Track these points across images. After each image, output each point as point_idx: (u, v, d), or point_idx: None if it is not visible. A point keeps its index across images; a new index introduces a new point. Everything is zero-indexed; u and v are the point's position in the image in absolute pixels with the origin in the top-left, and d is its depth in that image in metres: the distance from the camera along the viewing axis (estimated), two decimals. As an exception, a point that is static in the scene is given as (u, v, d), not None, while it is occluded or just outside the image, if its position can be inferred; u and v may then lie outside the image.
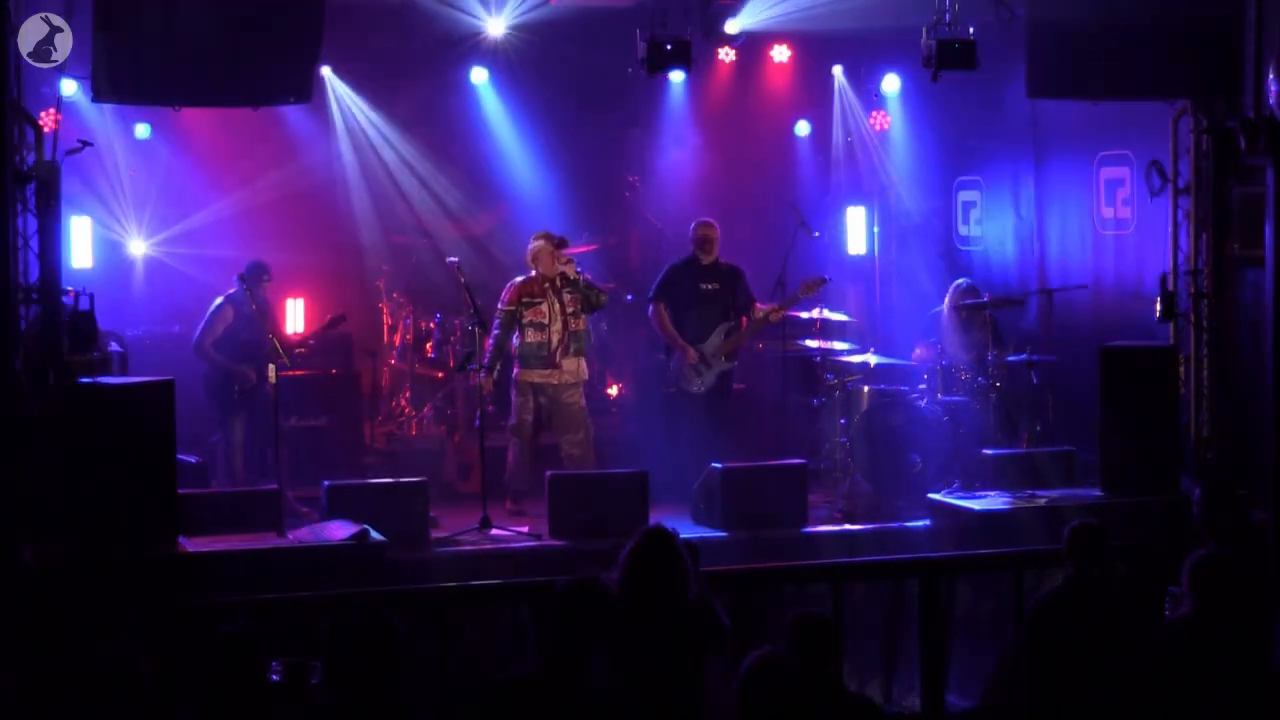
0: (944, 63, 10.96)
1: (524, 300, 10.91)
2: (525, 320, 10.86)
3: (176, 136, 13.00)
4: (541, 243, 11.06)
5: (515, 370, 10.92)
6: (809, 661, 5.83)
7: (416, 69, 13.24)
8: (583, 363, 11.16)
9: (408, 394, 13.10)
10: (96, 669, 7.60)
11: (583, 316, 11.10)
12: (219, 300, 11.16)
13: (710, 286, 11.47)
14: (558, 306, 10.99)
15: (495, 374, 10.93)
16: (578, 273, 11.06)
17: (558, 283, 11.02)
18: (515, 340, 10.94)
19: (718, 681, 6.82)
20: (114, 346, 10.70)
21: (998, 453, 10.96)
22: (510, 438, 10.98)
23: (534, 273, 11.05)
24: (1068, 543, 7.21)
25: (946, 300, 12.03)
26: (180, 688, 7.05)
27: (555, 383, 11.02)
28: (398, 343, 13.39)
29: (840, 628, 8.10)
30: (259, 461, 11.07)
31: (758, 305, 11.62)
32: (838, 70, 14.35)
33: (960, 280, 12.29)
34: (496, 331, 10.95)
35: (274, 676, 6.81)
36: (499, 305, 11.08)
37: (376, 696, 5.52)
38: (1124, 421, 10.45)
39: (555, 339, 10.97)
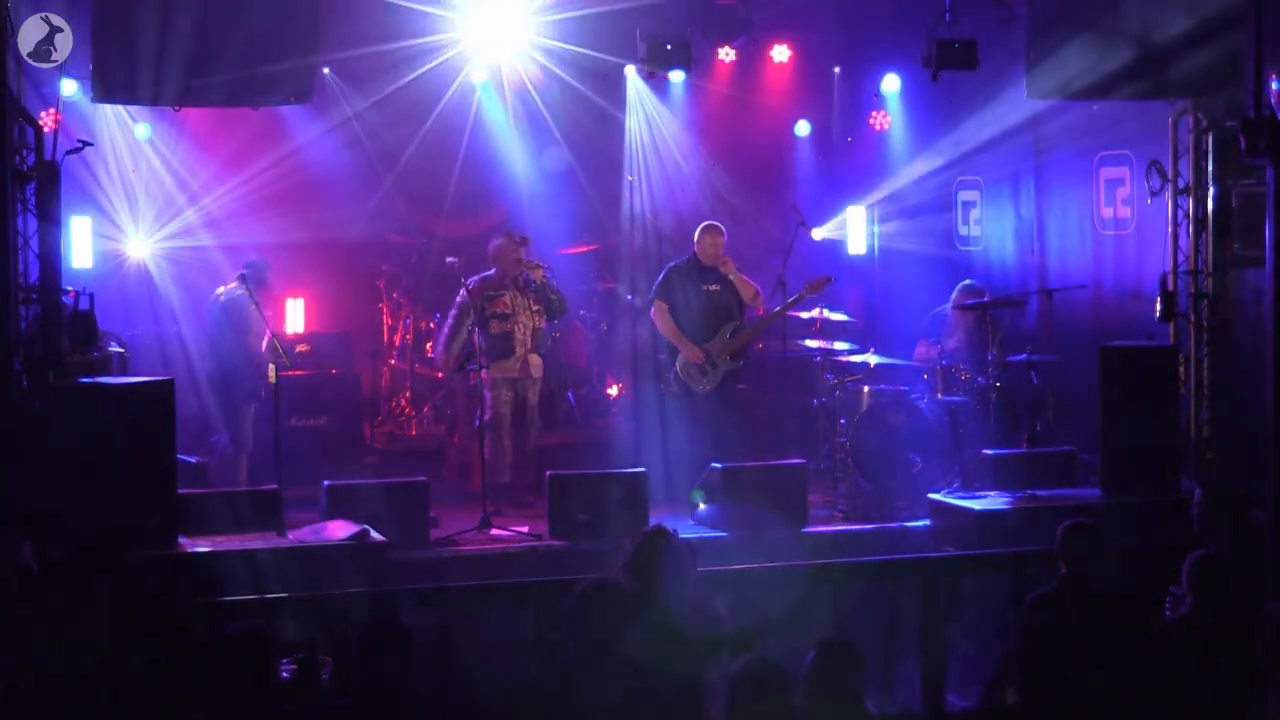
0: (944, 63, 10.99)
1: (485, 294, 11.01)
2: (489, 313, 10.94)
3: (176, 136, 13.00)
4: (503, 240, 11.23)
5: (484, 368, 10.89)
6: None
7: (416, 68, 13.23)
8: (541, 362, 11.29)
9: (408, 394, 13.11)
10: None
11: (543, 317, 11.25)
12: (229, 296, 11.15)
13: (712, 288, 11.47)
14: (521, 300, 11.12)
15: (463, 366, 10.98)
16: (544, 277, 11.17)
17: (519, 281, 11.12)
18: (480, 336, 10.95)
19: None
20: (114, 346, 10.71)
21: (998, 453, 10.96)
22: (486, 433, 10.91)
23: (493, 271, 11.19)
24: (1060, 542, 7.22)
25: (951, 300, 12.04)
26: (187, 686, 7.05)
27: (523, 377, 11.15)
28: (398, 343, 13.40)
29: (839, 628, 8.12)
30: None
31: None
32: (838, 70, 14.34)
33: (966, 281, 12.30)
34: (449, 325, 11.16)
35: (284, 674, 6.83)
36: (455, 300, 11.19)
37: (387, 694, 5.54)
38: (1124, 421, 10.44)
39: (521, 330, 11.07)
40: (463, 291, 11.06)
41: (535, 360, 11.24)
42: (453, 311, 11.28)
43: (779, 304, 11.56)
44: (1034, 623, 7.14)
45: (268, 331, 10.72)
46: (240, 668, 5.56)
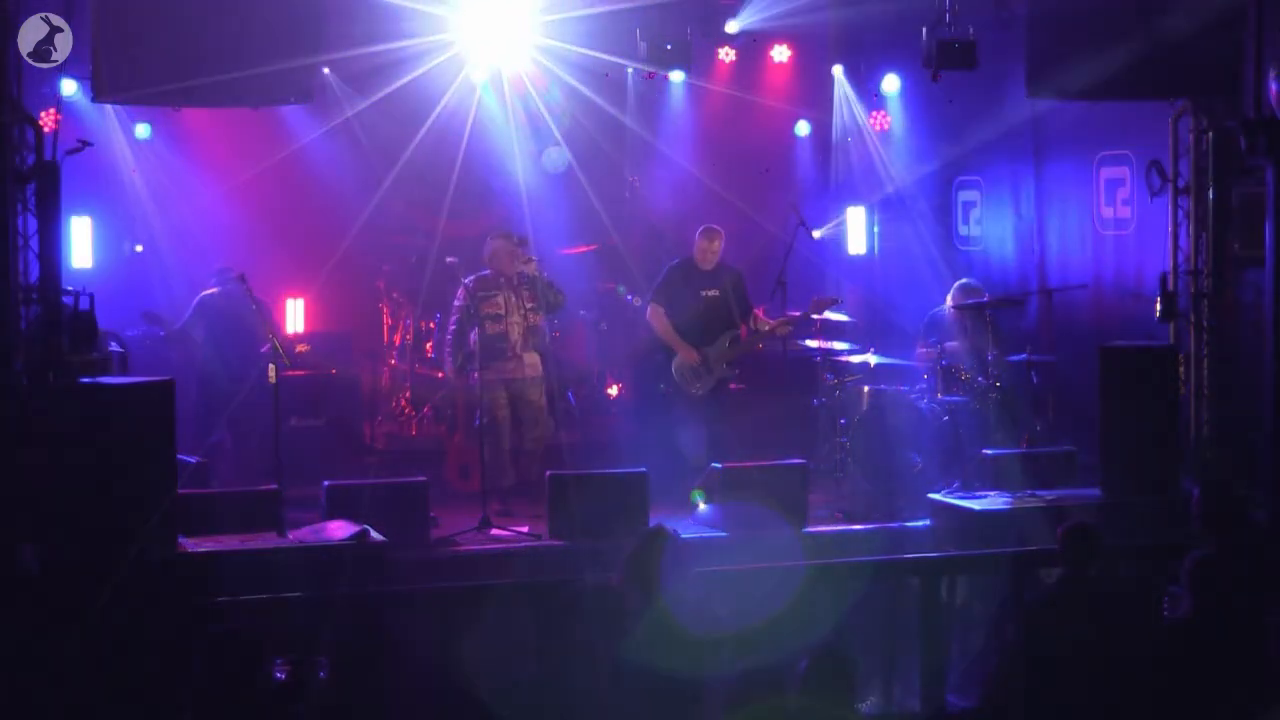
0: (944, 63, 10.97)
1: (479, 294, 11.00)
2: (483, 313, 10.91)
3: (176, 136, 13.01)
4: (500, 242, 11.23)
5: (477, 371, 10.81)
6: None
7: (416, 68, 13.23)
8: (539, 359, 11.25)
9: (408, 394, 13.10)
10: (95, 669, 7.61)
11: (540, 314, 11.20)
12: (230, 293, 11.20)
13: (712, 292, 11.47)
14: (515, 300, 11.10)
15: (463, 369, 11.02)
16: (538, 272, 11.14)
17: (515, 280, 11.10)
18: (473, 336, 10.93)
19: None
20: (114, 346, 10.72)
21: (998, 453, 10.95)
22: (484, 438, 10.82)
23: (489, 271, 11.18)
24: (1061, 543, 7.22)
25: (948, 299, 12.03)
26: (183, 687, 7.05)
27: (519, 377, 11.10)
28: (398, 343, 13.40)
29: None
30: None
31: (759, 314, 11.61)
32: (838, 70, 14.35)
33: (963, 280, 12.28)
34: (452, 329, 11.12)
35: (278, 675, 6.82)
36: (454, 304, 11.16)
37: (376, 694, 5.54)
38: (1124, 421, 10.44)
39: (515, 331, 11.05)
40: (461, 292, 11.05)
41: (531, 358, 11.20)
42: (453, 317, 11.24)
43: (778, 306, 11.57)
44: (1034, 623, 7.14)
45: (266, 329, 10.75)
46: (232, 669, 5.55)
